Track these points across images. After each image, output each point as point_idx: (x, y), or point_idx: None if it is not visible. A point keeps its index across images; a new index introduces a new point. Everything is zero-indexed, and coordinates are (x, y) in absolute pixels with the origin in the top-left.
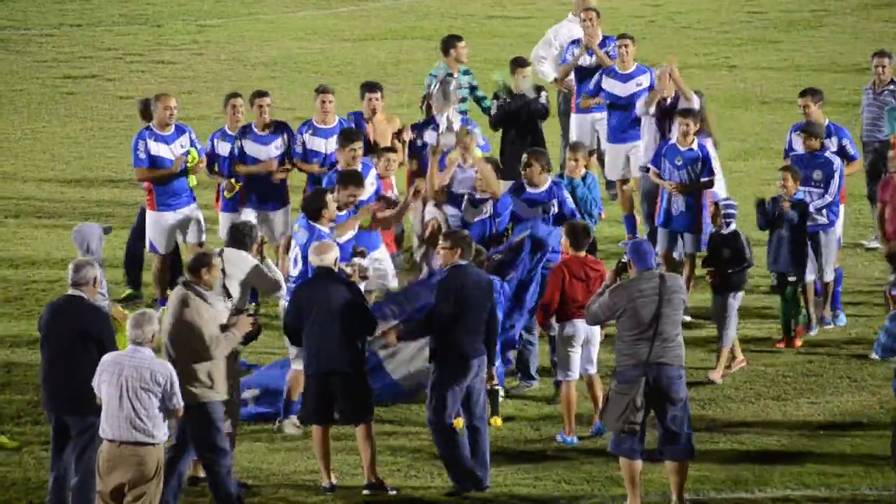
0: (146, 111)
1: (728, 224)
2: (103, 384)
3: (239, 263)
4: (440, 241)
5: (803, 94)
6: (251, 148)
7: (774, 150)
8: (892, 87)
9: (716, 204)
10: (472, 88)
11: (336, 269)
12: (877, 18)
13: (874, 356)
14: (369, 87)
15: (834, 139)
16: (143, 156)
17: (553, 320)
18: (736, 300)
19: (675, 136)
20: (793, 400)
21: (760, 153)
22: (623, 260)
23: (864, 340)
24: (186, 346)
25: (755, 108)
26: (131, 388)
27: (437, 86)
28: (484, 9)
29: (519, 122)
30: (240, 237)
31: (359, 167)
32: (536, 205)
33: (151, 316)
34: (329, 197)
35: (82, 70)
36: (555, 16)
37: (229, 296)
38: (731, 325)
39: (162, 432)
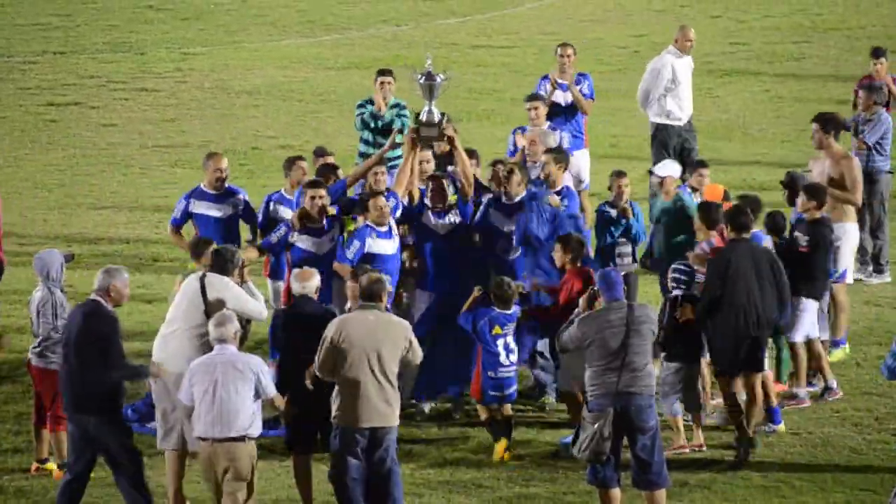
0: None
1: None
2: (195, 386)
3: (221, 289)
4: (348, 280)
5: (547, 151)
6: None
7: (757, 181)
8: (874, 116)
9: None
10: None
11: (316, 297)
12: (859, 51)
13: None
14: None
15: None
16: (177, 215)
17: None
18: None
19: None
20: (776, 433)
21: (743, 184)
22: (595, 288)
23: (847, 373)
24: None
25: (738, 139)
26: (223, 383)
27: (423, 78)
28: (468, 38)
29: None
30: (222, 262)
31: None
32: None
33: (231, 315)
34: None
35: (65, 97)
36: (538, 45)
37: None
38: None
39: (254, 428)
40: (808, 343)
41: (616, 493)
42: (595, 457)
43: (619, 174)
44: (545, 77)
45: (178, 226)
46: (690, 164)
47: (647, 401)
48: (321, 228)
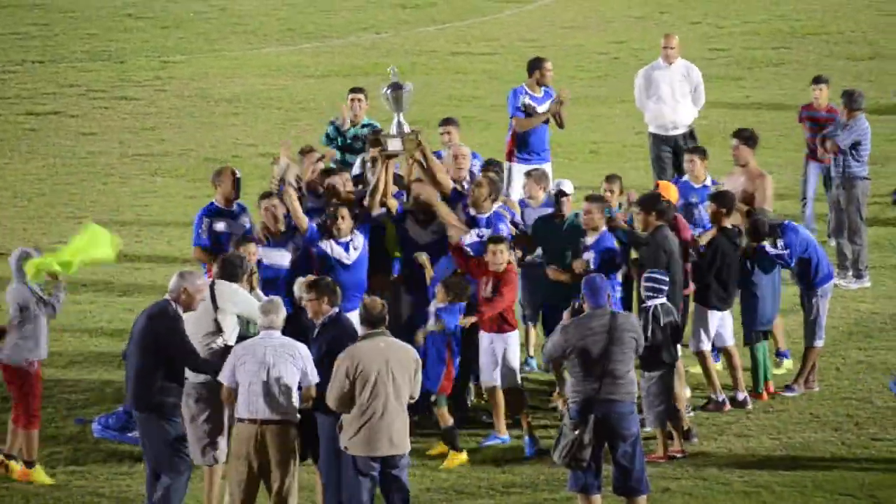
0: None
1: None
2: (241, 366)
3: (230, 296)
4: (305, 292)
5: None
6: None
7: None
8: (854, 120)
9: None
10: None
11: None
12: (838, 56)
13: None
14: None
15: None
16: (204, 235)
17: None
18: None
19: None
20: (756, 436)
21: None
22: (578, 300)
23: (827, 378)
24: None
25: (718, 145)
26: (275, 366)
27: (388, 90)
28: (447, 45)
29: None
30: (230, 269)
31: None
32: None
33: (279, 303)
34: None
35: (45, 106)
36: (518, 52)
37: (220, 330)
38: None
39: (296, 412)
40: (726, 350)
41: (597, 499)
42: (575, 464)
43: (611, 178)
44: (518, 89)
45: (205, 246)
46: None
47: (628, 408)
48: (281, 240)
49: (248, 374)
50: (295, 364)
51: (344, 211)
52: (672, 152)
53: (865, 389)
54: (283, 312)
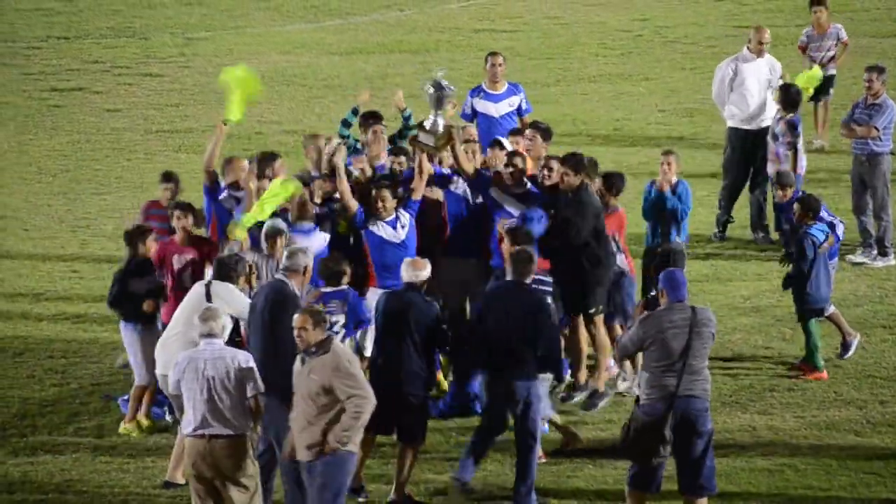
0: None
1: None
2: (184, 380)
3: (227, 297)
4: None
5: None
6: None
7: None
8: (880, 100)
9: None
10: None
11: (423, 289)
12: (862, 34)
13: None
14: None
15: None
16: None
17: None
18: None
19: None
20: (779, 414)
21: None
22: (652, 293)
23: (851, 357)
24: None
25: None
26: (216, 378)
27: (431, 89)
28: (471, 22)
29: None
30: (226, 270)
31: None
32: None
33: (219, 310)
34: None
35: (69, 82)
36: (541, 29)
37: None
38: None
39: (247, 422)
40: None
41: (646, 497)
42: (655, 460)
43: (667, 153)
44: (476, 90)
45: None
46: (758, 171)
47: (704, 404)
48: (306, 228)
49: (189, 387)
50: (237, 373)
51: (385, 192)
52: (753, 146)
53: (890, 367)
54: (222, 319)
